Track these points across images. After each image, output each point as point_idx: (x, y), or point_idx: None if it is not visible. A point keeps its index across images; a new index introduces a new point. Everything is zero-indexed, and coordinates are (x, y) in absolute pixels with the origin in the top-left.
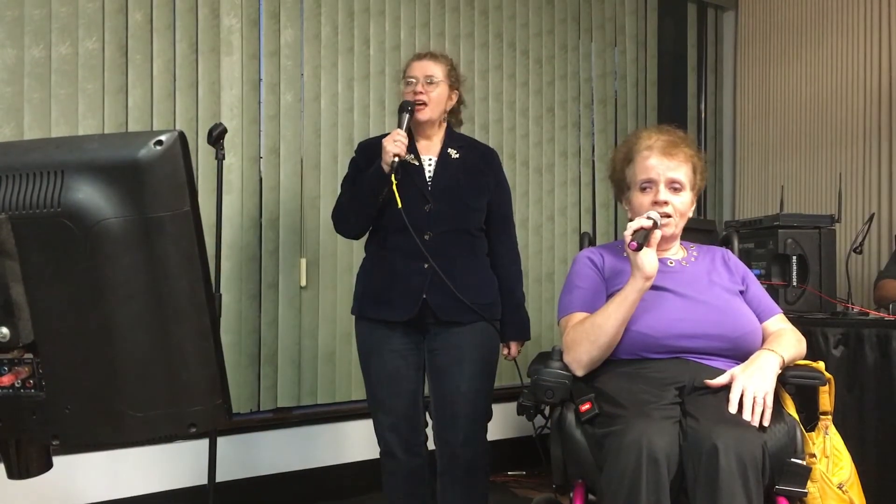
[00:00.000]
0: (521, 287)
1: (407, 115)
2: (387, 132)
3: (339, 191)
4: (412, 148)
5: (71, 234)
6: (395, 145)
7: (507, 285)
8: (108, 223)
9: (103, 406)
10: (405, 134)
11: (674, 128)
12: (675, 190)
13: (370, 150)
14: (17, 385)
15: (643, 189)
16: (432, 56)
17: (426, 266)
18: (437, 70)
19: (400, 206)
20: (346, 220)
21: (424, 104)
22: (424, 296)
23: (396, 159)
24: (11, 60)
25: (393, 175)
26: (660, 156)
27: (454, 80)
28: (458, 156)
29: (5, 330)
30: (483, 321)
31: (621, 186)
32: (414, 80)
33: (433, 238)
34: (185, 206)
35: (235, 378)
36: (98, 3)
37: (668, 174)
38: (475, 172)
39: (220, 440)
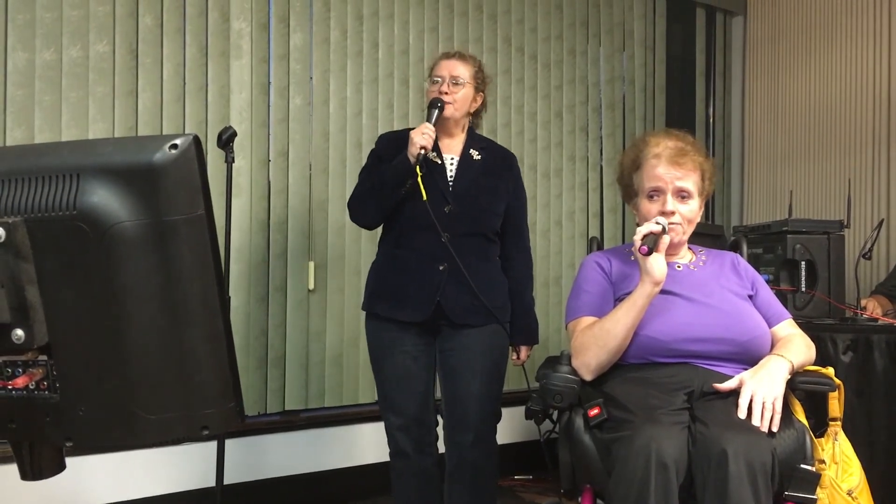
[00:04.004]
0: (531, 292)
1: (436, 112)
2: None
3: (347, 194)
4: (435, 146)
5: (86, 237)
6: (423, 137)
7: (517, 290)
8: (123, 226)
9: (117, 408)
10: (433, 128)
11: (682, 132)
12: (683, 198)
13: (393, 142)
14: (31, 387)
15: (651, 197)
16: (460, 56)
17: (441, 268)
18: (463, 71)
19: (425, 198)
20: (363, 208)
21: (448, 104)
22: (438, 298)
23: (423, 152)
24: (22, 63)
25: (418, 167)
26: (668, 165)
27: (480, 83)
28: (479, 157)
29: (20, 332)
30: (494, 323)
31: (629, 191)
32: (440, 80)
33: (450, 240)
34: (200, 209)
35: (243, 381)
36: (109, 6)
37: (677, 183)
38: (495, 176)
39: (228, 443)
